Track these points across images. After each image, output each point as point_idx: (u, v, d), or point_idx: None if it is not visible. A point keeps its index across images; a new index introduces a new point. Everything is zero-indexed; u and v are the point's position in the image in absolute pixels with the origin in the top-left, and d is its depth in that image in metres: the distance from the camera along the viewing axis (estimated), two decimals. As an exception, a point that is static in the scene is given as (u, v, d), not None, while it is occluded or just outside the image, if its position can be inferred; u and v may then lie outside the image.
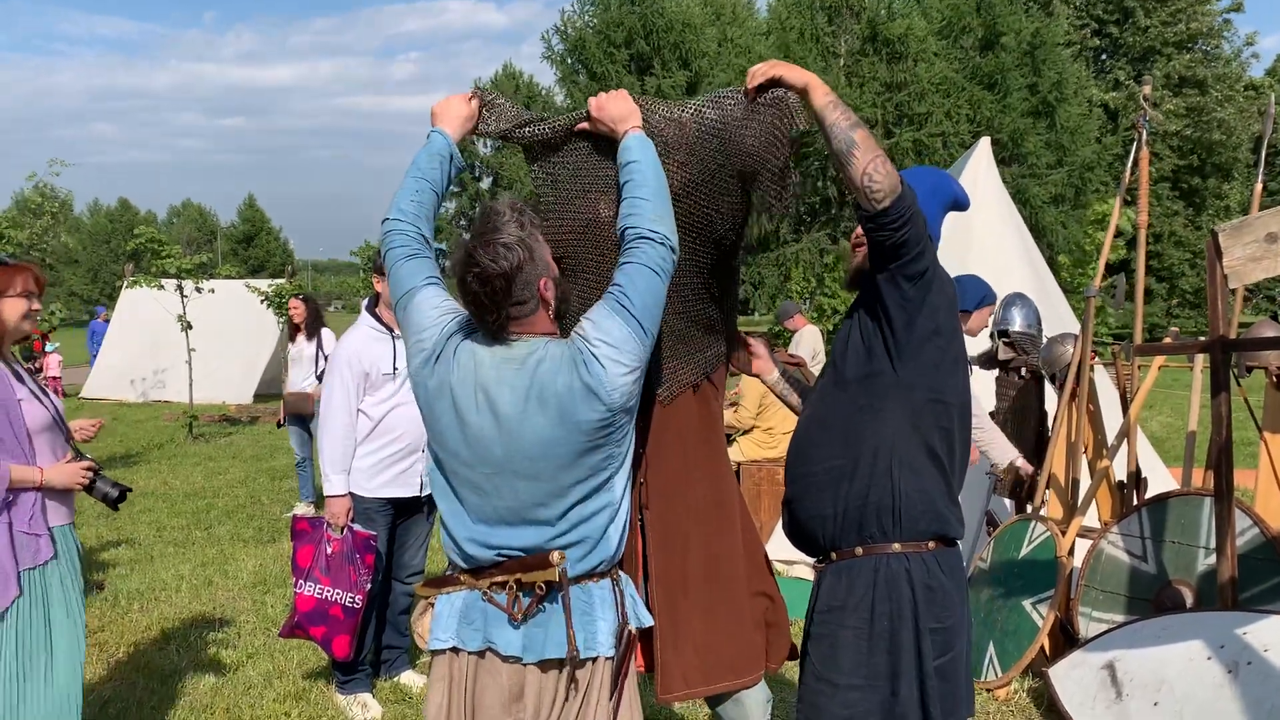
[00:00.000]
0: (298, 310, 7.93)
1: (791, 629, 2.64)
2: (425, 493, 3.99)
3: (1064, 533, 4.31)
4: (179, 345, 12.46)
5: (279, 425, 8.10)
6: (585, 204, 2.35)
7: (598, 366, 1.93)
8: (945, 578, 2.17)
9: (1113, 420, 4.94)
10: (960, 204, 2.39)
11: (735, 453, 6.34)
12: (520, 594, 2.01)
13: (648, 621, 2.19)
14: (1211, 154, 32.17)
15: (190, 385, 12.51)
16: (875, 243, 2.09)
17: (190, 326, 11.95)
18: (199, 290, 12.13)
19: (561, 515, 2.00)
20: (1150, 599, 3.92)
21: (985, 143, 6.85)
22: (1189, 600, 3.77)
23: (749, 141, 2.18)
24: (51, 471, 2.88)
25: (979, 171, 6.56)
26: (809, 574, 4.71)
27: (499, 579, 2.03)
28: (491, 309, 1.98)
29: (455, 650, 2.07)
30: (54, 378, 13.16)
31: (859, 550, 2.19)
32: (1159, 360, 4.59)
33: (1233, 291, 4.18)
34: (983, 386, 5.15)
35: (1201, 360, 4.78)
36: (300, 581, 3.82)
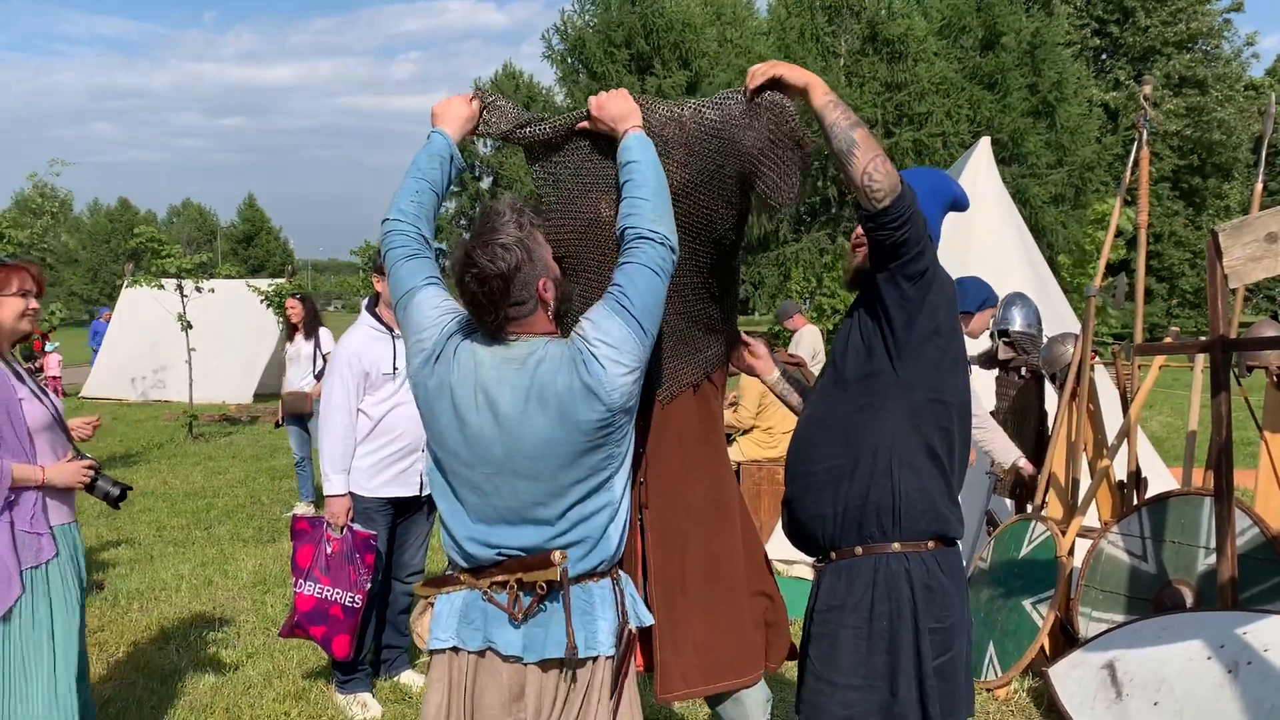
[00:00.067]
0: (295, 310, 7.93)
1: (791, 628, 2.64)
2: (425, 493, 3.99)
3: (1064, 532, 4.31)
4: (179, 345, 12.46)
5: (277, 425, 8.11)
6: (586, 203, 2.35)
7: (597, 366, 1.93)
8: (945, 577, 2.17)
9: (1113, 420, 4.94)
10: (960, 204, 2.39)
11: (735, 453, 6.34)
12: (521, 593, 2.01)
13: (648, 621, 2.20)
14: (1211, 154, 32.18)
15: (190, 385, 12.51)
16: (875, 242, 2.09)
17: (190, 326, 11.94)
18: (199, 290, 12.13)
19: (561, 515, 2.00)
20: (1150, 599, 3.91)
21: (985, 143, 6.85)
22: (1189, 600, 3.77)
23: (748, 143, 2.18)
24: (53, 470, 2.88)
25: (979, 171, 6.56)
26: (809, 574, 4.71)
27: (499, 578, 2.03)
28: (490, 309, 1.98)
29: (455, 650, 2.07)
30: (54, 377, 13.15)
31: (859, 550, 2.19)
32: (1159, 360, 4.59)
33: (1233, 291, 4.18)
34: (983, 386, 5.15)
35: (1202, 360, 4.78)
36: (300, 581, 3.82)
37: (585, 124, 2.30)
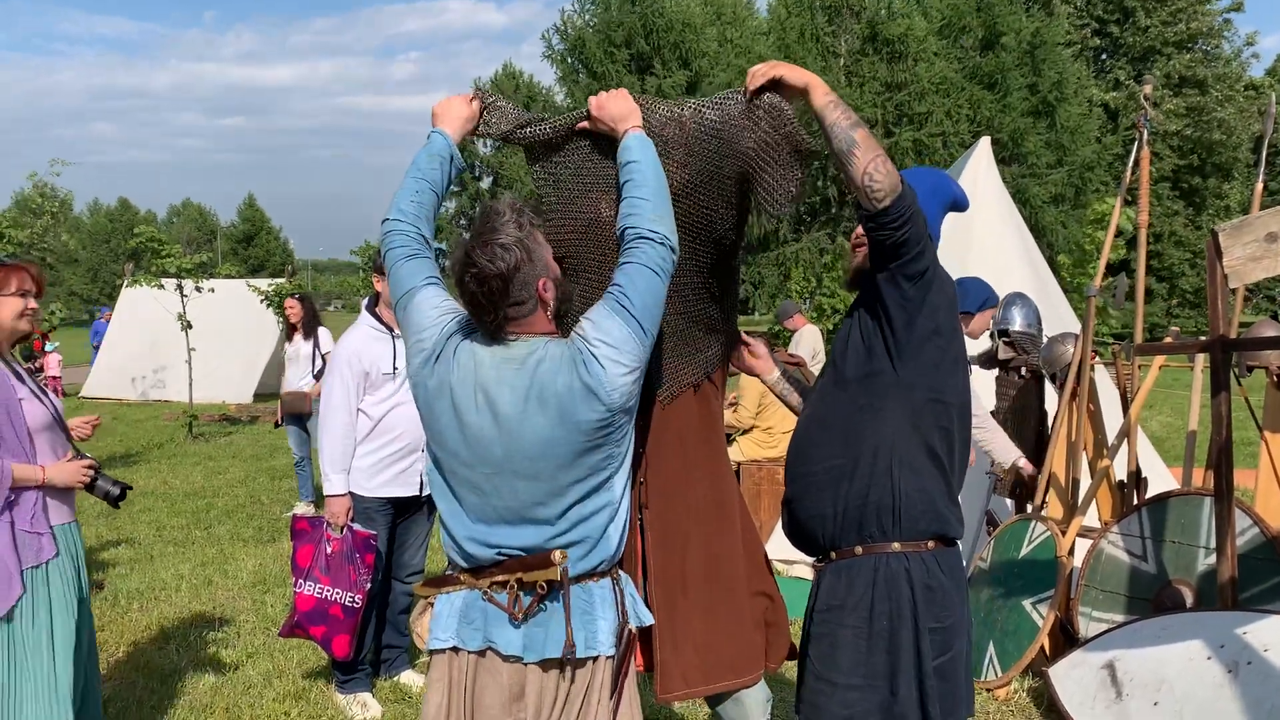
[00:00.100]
0: (294, 310, 7.94)
1: (791, 628, 2.64)
2: (425, 493, 3.99)
3: (1064, 532, 4.31)
4: (179, 345, 12.46)
5: (276, 425, 8.11)
6: (587, 203, 2.35)
7: (597, 366, 1.93)
8: (945, 577, 2.17)
9: (1113, 420, 4.94)
10: (959, 204, 2.39)
11: (735, 453, 6.34)
12: (521, 593, 2.01)
13: (648, 621, 2.20)
14: (1211, 154, 32.17)
15: (190, 385, 12.51)
16: (876, 242, 2.09)
17: (190, 326, 11.95)
18: (199, 290, 12.13)
19: (561, 514, 2.00)
20: (1150, 599, 3.91)
21: (985, 142, 6.85)
22: (1189, 600, 3.77)
23: (746, 144, 2.18)
24: (53, 470, 2.88)
25: (979, 171, 6.56)
26: (809, 574, 4.71)
27: (499, 578, 2.03)
28: (489, 309, 1.98)
29: (455, 650, 2.07)
30: (54, 377, 13.15)
31: (859, 549, 2.19)
32: (1159, 360, 4.59)
33: (1233, 291, 4.18)
34: (983, 386, 5.15)
35: (1202, 360, 4.78)
36: (300, 581, 3.82)
37: (585, 124, 2.30)
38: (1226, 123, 31.87)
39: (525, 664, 2.02)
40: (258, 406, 15.26)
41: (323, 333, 7.85)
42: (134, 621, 5.11)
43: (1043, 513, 4.53)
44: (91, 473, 2.99)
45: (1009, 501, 5.10)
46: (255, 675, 4.36)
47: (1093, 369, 4.65)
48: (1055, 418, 4.70)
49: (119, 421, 13.95)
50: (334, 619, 3.79)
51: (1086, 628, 4.06)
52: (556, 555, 1.98)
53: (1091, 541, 4.28)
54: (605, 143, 2.28)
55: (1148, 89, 4.63)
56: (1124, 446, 4.54)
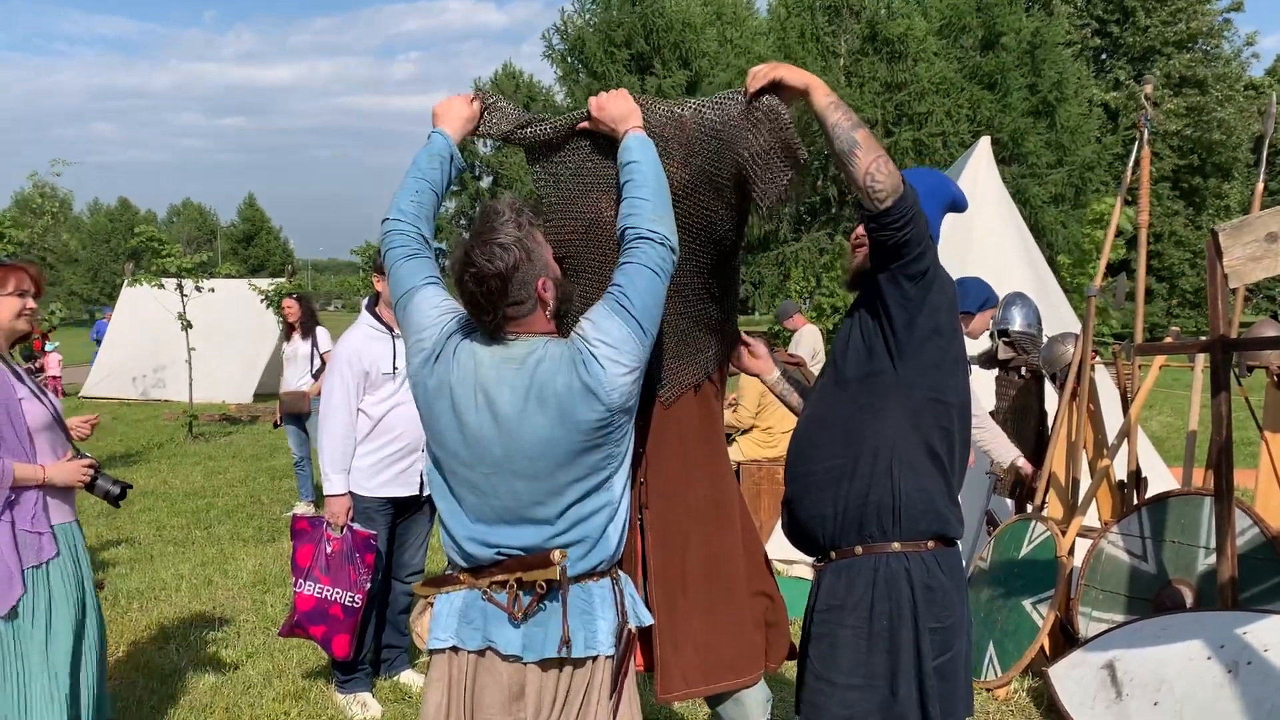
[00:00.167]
0: (292, 310, 7.94)
1: (791, 628, 2.64)
2: (425, 493, 3.99)
3: (1064, 532, 4.31)
4: (179, 344, 12.46)
5: (275, 425, 8.11)
6: (587, 203, 2.35)
7: (597, 366, 1.93)
8: (945, 577, 2.17)
9: (1113, 420, 4.94)
10: (958, 205, 2.39)
11: (735, 453, 6.34)
12: (520, 593, 2.01)
13: (647, 621, 2.19)
14: (1211, 154, 32.18)
15: (190, 384, 12.51)
16: (877, 243, 2.09)
17: (190, 325, 11.95)
18: (199, 289, 12.13)
19: (560, 514, 2.00)
20: (1150, 599, 3.91)
21: (985, 142, 6.85)
22: (1189, 600, 3.77)
23: (743, 145, 2.18)
24: (53, 469, 2.88)
25: (979, 171, 6.56)
26: (809, 574, 4.71)
27: (499, 578, 2.03)
28: (488, 309, 1.98)
29: (454, 649, 2.07)
30: (54, 377, 13.15)
31: (859, 549, 2.19)
32: (1159, 360, 4.59)
33: (1233, 291, 4.18)
34: (983, 386, 5.15)
35: (1202, 360, 4.78)
36: (300, 581, 3.82)
37: (586, 124, 2.30)
38: (1226, 123, 31.87)
39: (525, 664, 2.02)
40: (258, 406, 15.26)
41: (321, 332, 7.85)
42: (134, 621, 5.11)
43: (1043, 513, 4.53)
44: (91, 472, 2.99)
45: (1009, 501, 5.10)
46: (255, 675, 4.36)
47: (1093, 369, 4.65)
48: (1055, 418, 4.70)
49: (119, 421, 13.95)
50: (334, 619, 3.79)
51: (1086, 628, 4.06)
52: (555, 555, 1.98)
53: (1091, 541, 4.28)
54: (605, 143, 2.28)
55: (1148, 89, 4.63)
56: (1124, 446, 4.54)
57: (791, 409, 2.72)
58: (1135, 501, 4.36)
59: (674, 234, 2.07)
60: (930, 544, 2.18)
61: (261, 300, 12.79)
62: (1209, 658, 3.28)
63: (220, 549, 6.72)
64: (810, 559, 2.37)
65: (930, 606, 2.14)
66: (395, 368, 3.92)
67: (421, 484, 3.99)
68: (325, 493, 3.89)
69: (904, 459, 2.15)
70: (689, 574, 2.43)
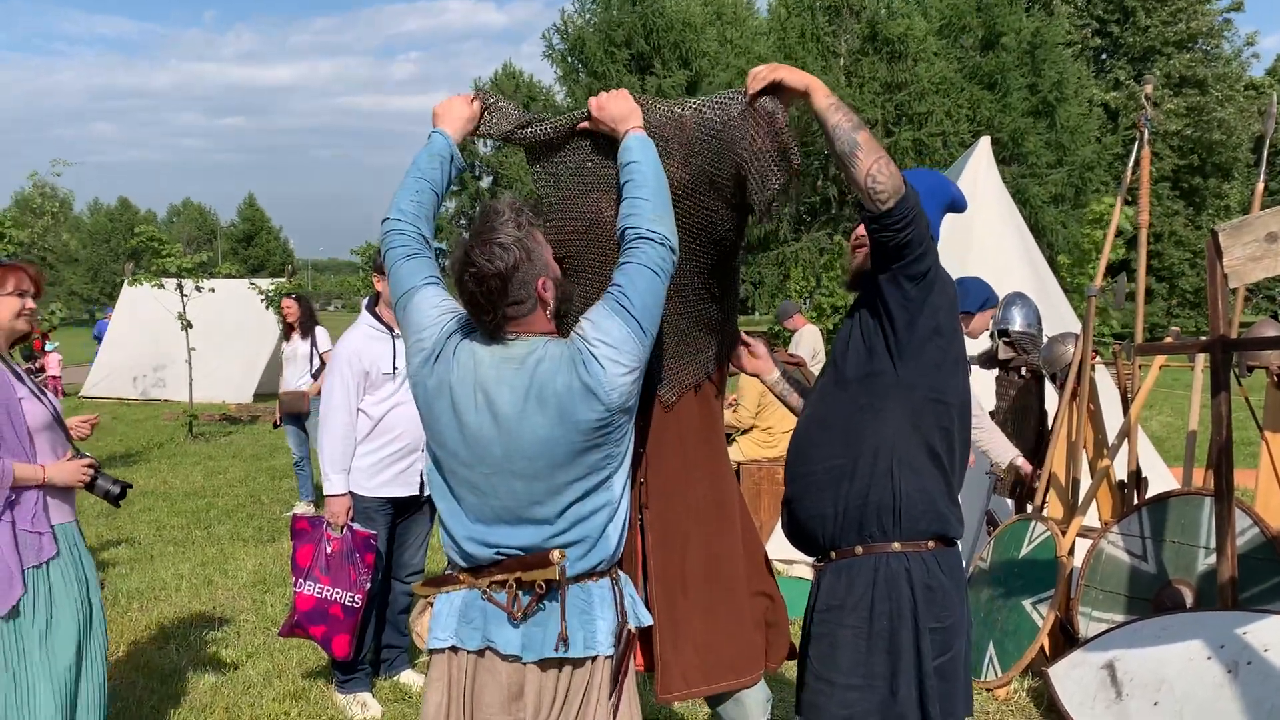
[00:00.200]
0: (291, 310, 7.94)
1: (791, 628, 2.64)
2: (425, 493, 3.99)
3: (1064, 532, 4.31)
4: (179, 344, 12.46)
5: (275, 426, 8.11)
6: (587, 204, 2.35)
7: (596, 366, 1.93)
8: (945, 577, 2.17)
9: (1113, 420, 4.94)
10: (957, 205, 2.39)
11: (735, 453, 6.34)
12: (520, 593, 2.01)
13: (647, 621, 2.19)
14: (1212, 154, 32.17)
15: (190, 384, 12.51)
16: (879, 244, 2.09)
17: (190, 325, 11.95)
18: (199, 289, 12.13)
19: (559, 514, 2.00)
20: (1150, 599, 3.91)
21: (985, 142, 6.85)
22: (1189, 600, 3.77)
23: (744, 146, 2.18)
24: (53, 469, 2.88)
25: (979, 171, 6.56)
26: (809, 574, 4.71)
27: (498, 578, 2.03)
28: (488, 308, 1.98)
29: (454, 649, 2.07)
30: (54, 377, 13.15)
31: (859, 549, 2.19)
32: (1160, 360, 4.59)
33: (1233, 291, 4.18)
34: (983, 386, 5.15)
35: (1202, 360, 4.78)
36: (300, 581, 3.82)
37: (586, 124, 2.30)
38: (1226, 123, 31.86)
39: (524, 663, 2.02)
40: (258, 406, 15.25)
41: (320, 332, 7.85)
42: (134, 621, 5.11)
43: (1043, 513, 4.53)
44: (91, 471, 2.99)
45: (1009, 501, 5.10)
46: (255, 675, 4.36)
47: (1093, 369, 4.65)
48: (1055, 418, 4.70)
49: (119, 421, 13.94)
50: (334, 619, 3.79)
51: (1086, 628, 4.06)
52: (554, 555, 1.98)
53: (1091, 541, 4.28)
54: (606, 143, 2.28)
55: (1148, 89, 4.63)
56: (1124, 446, 4.54)
57: (791, 409, 2.72)
58: (1135, 501, 4.36)
59: (674, 234, 2.07)
60: (931, 544, 2.18)
61: (261, 300, 12.79)
62: (1209, 658, 3.28)
63: (220, 549, 6.72)
64: (810, 559, 2.37)
65: (930, 606, 2.14)
66: (395, 368, 3.92)
67: (421, 484, 3.99)
68: (325, 493, 3.89)
69: (905, 459, 2.15)
70: (689, 574, 2.43)
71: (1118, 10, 33.51)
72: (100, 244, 64.61)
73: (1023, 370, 5.14)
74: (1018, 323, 5.08)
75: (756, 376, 2.76)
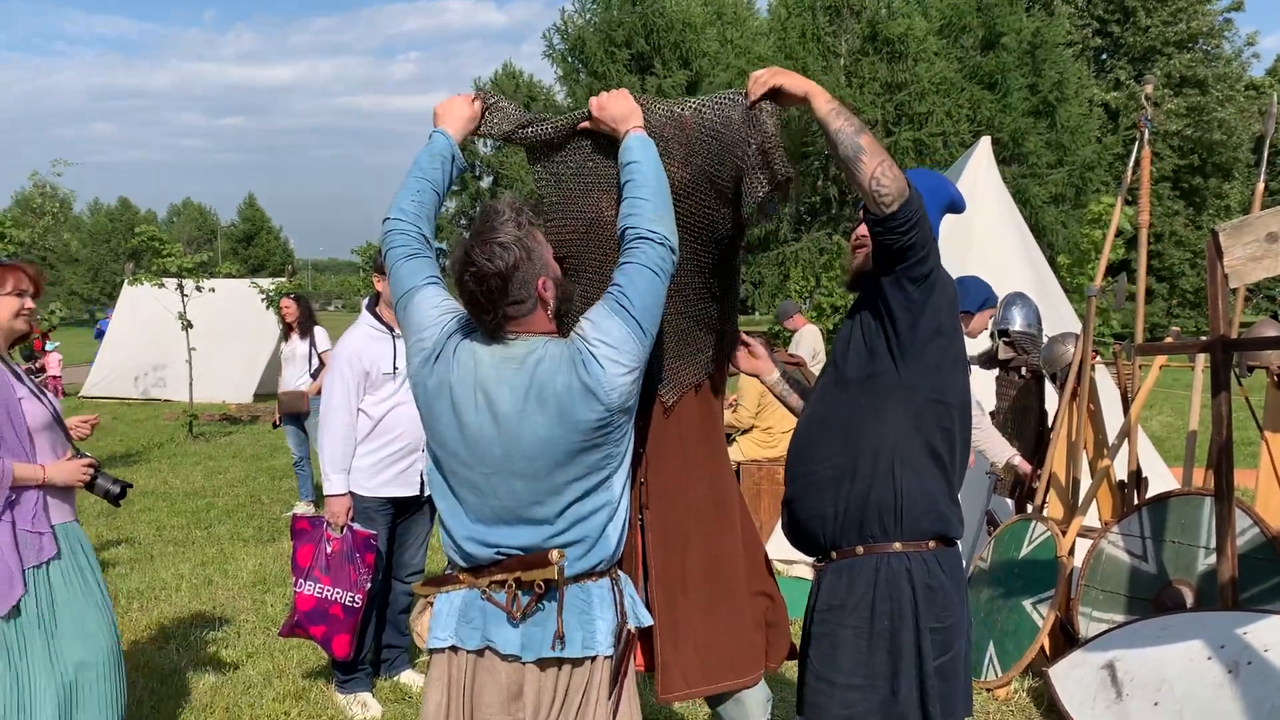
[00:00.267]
0: (290, 310, 7.95)
1: (791, 628, 2.64)
2: (425, 493, 3.99)
3: (1064, 532, 4.31)
4: (179, 344, 12.46)
5: (275, 425, 8.11)
6: (588, 203, 2.35)
7: (596, 366, 1.93)
8: (945, 577, 2.17)
9: (1113, 420, 4.94)
10: (956, 206, 2.39)
11: (735, 453, 6.34)
12: (519, 593, 2.01)
13: (647, 621, 2.19)
14: (1212, 154, 32.17)
15: (190, 384, 12.51)
16: (883, 246, 2.08)
17: (190, 325, 11.95)
18: (199, 289, 12.13)
19: (559, 514, 2.00)
20: (1150, 599, 3.91)
21: (985, 142, 6.85)
22: (1189, 600, 3.77)
23: (743, 147, 2.18)
24: (53, 469, 2.88)
25: (979, 171, 6.56)
26: (809, 574, 4.71)
27: (498, 577, 2.03)
28: (488, 308, 1.98)
29: (454, 649, 2.07)
30: (54, 377, 13.14)
31: (859, 549, 2.19)
32: (1160, 360, 4.59)
33: (1233, 291, 4.18)
34: (983, 386, 5.15)
35: (1202, 360, 4.78)
36: (300, 581, 3.82)
37: (587, 124, 2.30)
38: (1227, 123, 31.86)
39: (523, 663, 2.02)
40: (258, 406, 15.25)
41: (319, 332, 7.86)
42: (134, 621, 5.11)
43: (1043, 513, 4.53)
44: (91, 471, 2.99)
45: (1009, 501, 5.10)
46: (255, 675, 4.36)
47: (1093, 369, 4.65)
48: (1055, 418, 4.70)
49: (119, 421, 13.94)
50: (334, 619, 3.79)
51: (1086, 628, 4.06)
52: (554, 554, 1.98)
53: (1091, 541, 4.28)
54: (606, 143, 2.28)
55: (1149, 89, 4.63)
56: (1124, 446, 4.54)
57: (791, 409, 2.72)
58: (1135, 501, 4.36)
59: (674, 234, 2.07)
60: (931, 544, 2.18)
61: (262, 300, 12.79)
62: (1209, 658, 3.28)
63: (220, 549, 6.72)
64: (810, 559, 2.37)
65: (931, 606, 2.14)
66: (395, 368, 3.92)
67: (422, 484, 3.99)
68: (325, 493, 3.89)
69: (906, 459, 2.15)
70: (689, 574, 2.43)
71: (1118, 10, 33.51)
72: (100, 244, 64.61)
73: (1023, 370, 5.14)
74: (1018, 323, 5.08)
75: (756, 376, 2.76)
